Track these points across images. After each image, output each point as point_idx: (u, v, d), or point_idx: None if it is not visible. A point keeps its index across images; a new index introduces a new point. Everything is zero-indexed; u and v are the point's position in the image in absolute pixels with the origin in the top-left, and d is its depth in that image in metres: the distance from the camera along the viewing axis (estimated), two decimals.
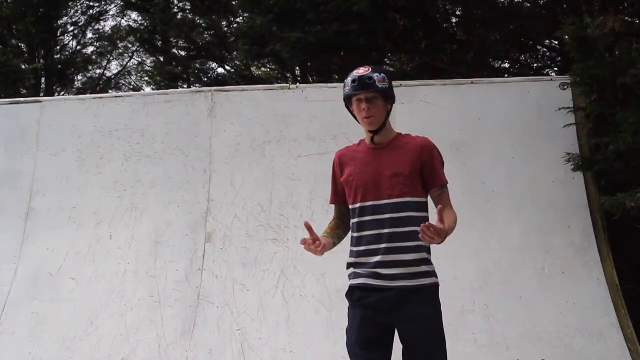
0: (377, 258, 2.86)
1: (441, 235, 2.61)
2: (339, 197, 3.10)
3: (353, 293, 2.96)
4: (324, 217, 5.21)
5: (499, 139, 5.31)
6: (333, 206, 3.10)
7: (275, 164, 5.44)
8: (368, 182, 2.91)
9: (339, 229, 3.12)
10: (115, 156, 5.61)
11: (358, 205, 2.93)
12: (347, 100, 2.98)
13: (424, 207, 2.91)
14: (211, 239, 5.24)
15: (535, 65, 9.93)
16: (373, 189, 2.89)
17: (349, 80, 2.95)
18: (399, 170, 2.87)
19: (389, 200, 2.86)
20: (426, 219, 2.86)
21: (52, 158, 5.67)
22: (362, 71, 2.92)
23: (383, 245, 2.85)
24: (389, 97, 2.95)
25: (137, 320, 4.96)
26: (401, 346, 2.92)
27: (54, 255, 5.31)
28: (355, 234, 2.96)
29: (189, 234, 5.29)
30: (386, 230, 2.85)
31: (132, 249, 5.27)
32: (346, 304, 4.33)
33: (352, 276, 2.97)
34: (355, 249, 2.96)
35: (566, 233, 4.98)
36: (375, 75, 2.90)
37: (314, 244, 2.92)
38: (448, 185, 2.93)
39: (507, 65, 10.30)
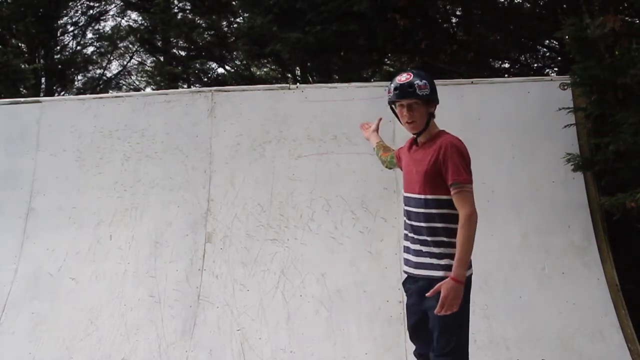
0: (407, 243, 3.22)
1: (449, 297, 2.89)
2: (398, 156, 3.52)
3: (405, 282, 3.31)
4: (324, 217, 5.24)
5: (499, 139, 5.31)
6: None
7: (275, 164, 5.44)
8: (405, 176, 3.27)
9: (388, 149, 3.67)
10: (115, 156, 5.61)
11: (402, 194, 3.31)
12: (392, 104, 3.24)
13: (443, 204, 3.06)
14: (211, 239, 5.25)
15: (535, 65, 9.93)
16: (406, 182, 3.24)
17: (391, 86, 3.17)
18: (422, 169, 3.11)
19: (412, 194, 3.16)
20: (447, 215, 3.04)
21: (52, 158, 5.67)
22: (403, 78, 3.13)
23: (409, 234, 3.19)
24: (430, 101, 3.15)
25: (137, 320, 4.96)
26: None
27: (54, 255, 5.31)
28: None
29: (189, 234, 5.29)
30: (409, 222, 3.18)
31: (132, 249, 5.27)
32: (346, 303, 4.53)
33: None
34: None
35: (566, 233, 4.98)
36: (417, 83, 3.10)
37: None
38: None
39: (507, 65, 10.29)
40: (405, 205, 3.21)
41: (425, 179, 3.07)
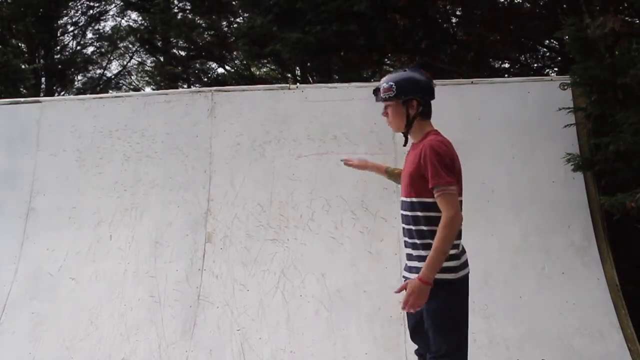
0: (404, 248, 3.22)
1: (412, 295, 2.89)
2: None
3: None
4: (323, 217, 5.24)
5: (499, 139, 5.31)
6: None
7: (275, 164, 5.44)
8: (401, 179, 3.28)
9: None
10: (115, 156, 5.61)
11: None
12: None
13: (431, 207, 3.03)
14: (211, 239, 5.25)
15: (535, 65, 9.94)
16: (402, 185, 3.25)
17: None
18: (407, 172, 3.14)
19: (403, 198, 3.18)
20: (433, 218, 3.01)
21: (52, 158, 5.67)
22: (380, 81, 3.23)
23: (404, 239, 3.20)
24: (402, 102, 3.13)
25: (137, 320, 4.96)
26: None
27: (54, 255, 5.31)
28: None
29: (189, 234, 5.29)
30: (403, 225, 3.19)
31: (132, 249, 5.27)
32: (346, 303, 4.50)
33: None
34: None
35: (566, 233, 4.98)
36: (382, 86, 3.17)
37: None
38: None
39: (507, 65, 10.31)
40: (400, 209, 3.22)
41: (410, 181, 3.08)
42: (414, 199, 3.07)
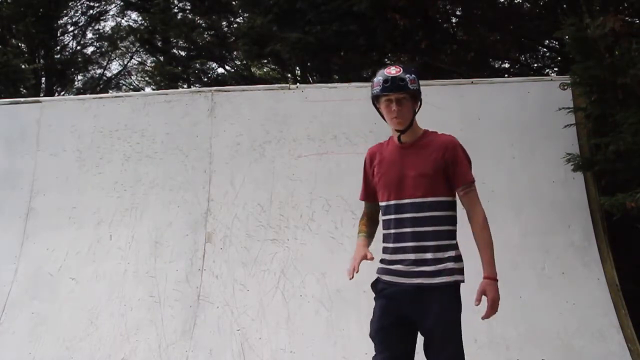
0: (401, 256, 2.98)
1: (498, 298, 3.03)
2: (369, 194, 3.18)
3: (377, 284, 3.13)
4: (323, 217, 5.24)
5: (499, 139, 5.32)
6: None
7: (275, 164, 5.44)
8: (393, 181, 3.00)
9: (373, 224, 3.21)
10: (115, 156, 5.61)
11: (384, 203, 3.03)
12: (376, 100, 3.06)
13: (449, 206, 2.98)
14: (211, 239, 5.25)
15: (535, 65, 9.95)
16: (396, 188, 2.98)
17: (379, 79, 2.99)
18: (422, 171, 2.94)
19: (410, 199, 2.95)
20: (451, 217, 2.99)
21: (52, 158, 5.67)
22: (393, 72, 2.97)
23: (407, 244, 2.96)
24: (417, 98, 3.02)
25: (137, 320, 4.96)
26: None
27: (54, 255, 5.31)
28: (384, 231, 3.04)
29: (189, 234, 5.29)
30: (408, 229, 2.95)
31: (132, 249, 5.28)
32: (346, 303, 4.46)
33: (379, 271, 3.10)
34: (385, 245, 3.04)
35: (566, 233, 4.98)
36: (407, 77, 2.95)
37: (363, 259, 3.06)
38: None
39: (507, 65, 10.32)
40: (398, 213, 2.97)
41: (430, 180, 2.92)
42: (431, 199, 2.93)
